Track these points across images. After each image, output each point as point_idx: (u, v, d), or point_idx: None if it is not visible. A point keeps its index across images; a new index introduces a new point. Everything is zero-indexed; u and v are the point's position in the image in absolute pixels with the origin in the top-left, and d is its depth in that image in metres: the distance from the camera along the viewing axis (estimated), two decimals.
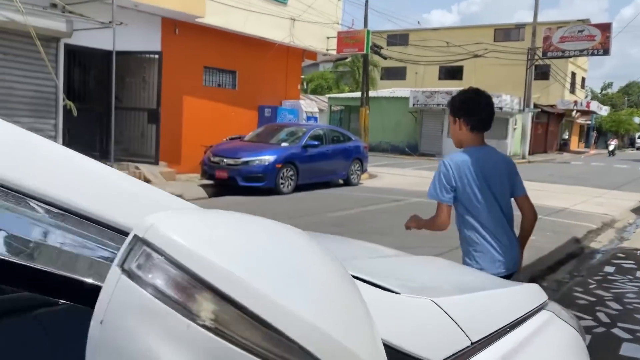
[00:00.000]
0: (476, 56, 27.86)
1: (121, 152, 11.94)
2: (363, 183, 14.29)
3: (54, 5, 10.08)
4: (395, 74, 42.85)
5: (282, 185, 11.30)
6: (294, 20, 15.11)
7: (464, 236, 2.71)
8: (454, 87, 31.70)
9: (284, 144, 12.03)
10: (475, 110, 2.67)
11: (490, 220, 2.63)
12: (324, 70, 46.79)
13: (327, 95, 36.39)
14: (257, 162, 10.90)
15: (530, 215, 2.77)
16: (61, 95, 10.32)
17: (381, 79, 42.60)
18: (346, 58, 34.64)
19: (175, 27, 12.68)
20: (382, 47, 27.55)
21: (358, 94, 30.66)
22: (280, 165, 11.16)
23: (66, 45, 10.62)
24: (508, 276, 2.60)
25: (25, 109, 10.15)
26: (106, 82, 9.97)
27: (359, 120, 29.15)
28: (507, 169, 2.71)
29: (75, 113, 9.90)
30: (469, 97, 2.70)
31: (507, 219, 2.70)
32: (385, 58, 28.10)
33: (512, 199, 2.76)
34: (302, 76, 48.53)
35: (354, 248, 1.96)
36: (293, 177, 11.60)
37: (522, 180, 2.79)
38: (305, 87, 47.83)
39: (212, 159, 11.25)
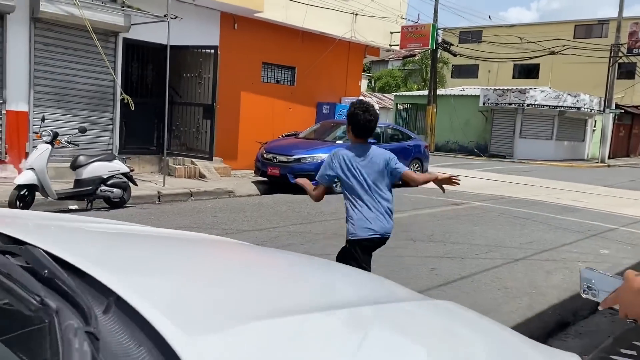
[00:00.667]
0: (553, 53, 26.25)
1: (178, 147, 11.98)
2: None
3: (114, 0, 10.20)
4: (467, 71, 41.38)
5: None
6: (356, 14, 14.68)
7: (345, 206, 3.59)
8: (529, 85, 30.08)
9: (338, 142, 11.65)
10: (355, 124, 3.50)
11: (361, 196, 3.46)
12: (392, 68, 45.98)
13: (393, 93, 35.61)
14: (309, 159, 10.58)
15: (412, 183, 3.62)
16: (119, 89, 10.44)
17: (451, 77, 41.30)
18: (414, 55, 33.84)
19: (234, 22, 12.59)
20: (452, 44, 26.57)
21: (425, 92, 29.75)
22: None
23: (125, 40, 10.75)
24: (382, 240, 3.60)
25: (84, 102, 10.34)
26: (163, 76, 9.97)
27: (425, 119, 28.33)
28: (384, 162, 3.49)
29: (132, 107, 9.96)
30: (354, 112, 3.49)
31: (381, 197, 3.50)
32: (455, 55, 27.11)
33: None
34: (370, 74, 48.15)
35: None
36: None
37: (403, 165, 3.61)
38: (372, 85, 47.23)
39: (265, 155, 11.05)
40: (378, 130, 12.42)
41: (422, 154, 13.43)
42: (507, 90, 27.33)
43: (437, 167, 17.92)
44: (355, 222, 3.49)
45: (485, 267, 5.78)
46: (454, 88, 34.17)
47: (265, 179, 11.16)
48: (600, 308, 1.38)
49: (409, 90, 37.05)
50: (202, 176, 11.30)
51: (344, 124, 12.98)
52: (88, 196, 7.80)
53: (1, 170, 9.32)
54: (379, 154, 3.52)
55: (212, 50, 11.08)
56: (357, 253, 3.53)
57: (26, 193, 7.22)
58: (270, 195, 10.31)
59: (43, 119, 7.85)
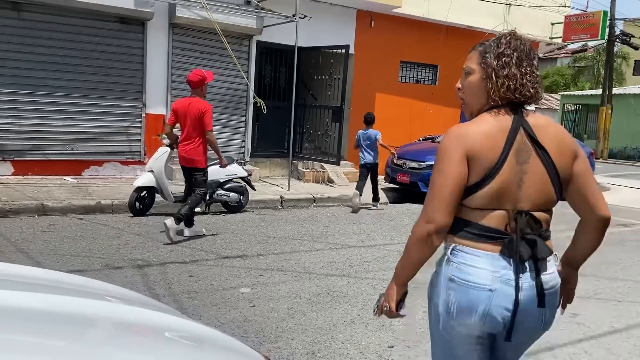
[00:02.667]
0: None
1: (309, 151, 11.69)
2: None
3: (248, 3, 10.17)
4: None
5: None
6: (509, 5, 13.13)
7: None
8: None
9: None
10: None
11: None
12: (561, 65, 41.78)
13: (560, 93, 32.13)
14: None
15: None
16: (251, 92, 10.39)
17: (633, 74, 36.17)
18: (585, 50, 30.19)
19: (371, 19, 11.94)
20: (633, 36, 23.12)
21: (598, 91, 26.32)
22: None
23: (258, 42, 10.69)
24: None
25: (218, 106, 10.43)
26: (296, 79, 9.71)
27: (597, 122, 25.00)
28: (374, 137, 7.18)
29: (264, 110, 9.84)
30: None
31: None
32: (637, 48, 23.52)
33: None
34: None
35: None
36: None
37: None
38: None
39: (395, 161, 10.23)
40: None
41: None
42: None
43: (610, 177, 15.45)
44: None
45: None
46: (635, 86, 29.77)
47: (396, 186, 10.33)
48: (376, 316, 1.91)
49: (580, 90, 33.18)
50: (330, 181, 10.83)
51: None
52: (205, 200, 7.71)
53: (141, 171, 9.76)
54: (373, 134, 5.75)
55: (343, 50, 10.54)
56: None
57: (145, 195, 7.31)
58: (397, 205, 9.46)
59: (164, 122, 7.95)
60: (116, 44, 9.31)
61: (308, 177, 10.89)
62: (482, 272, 1.70)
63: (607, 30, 14.40)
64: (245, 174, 8.02)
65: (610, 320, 4.28)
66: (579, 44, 25.73)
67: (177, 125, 6.37)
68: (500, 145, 1.70)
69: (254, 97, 10.14)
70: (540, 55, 19.29)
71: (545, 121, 1.79)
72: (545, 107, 33.99)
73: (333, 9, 11.36)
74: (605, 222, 1.88)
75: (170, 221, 5.82)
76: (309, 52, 10.97)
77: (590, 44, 23.90)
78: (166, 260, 5.21)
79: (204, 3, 8.71)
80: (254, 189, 8.29)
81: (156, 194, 7.41)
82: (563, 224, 7.99)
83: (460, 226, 1.75)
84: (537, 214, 1.77)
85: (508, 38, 1.82)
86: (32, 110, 8.82)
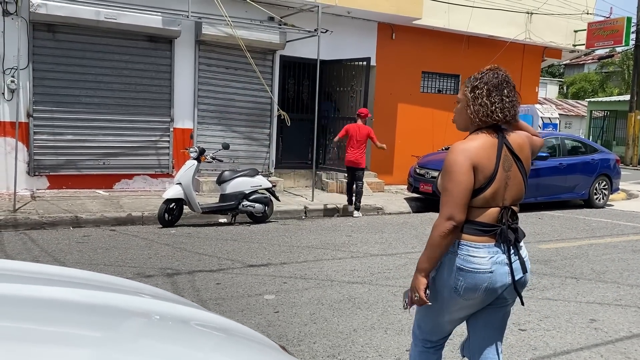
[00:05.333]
0: None
1: (333, 162, 11.86)
2: (613, 205, 11.61)
3: (272, 19, 10.45)
4: None
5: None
6: (531, 14, 13.15)
7: None
8: None
9: None
10: None
11: None
12: (588, 71, 41.21)
13: (587, 100, 31.67)
14: None
15: None
16: (275, 105, 10.64)
17: None
18: (612, 55, 29.75)
19: (392, 31, 12.11)
20: None
21: (625, 98, 25.89)
22: None
23: (282, 57, 10.95)
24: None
25: (243, 119, 10.75)
26: (319, 91, 9.93)
27: (626, 128, 24.56)
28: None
29: (288, 123, 10.07)
30: None
31: None
32: None
33: None
34: (562, 79, 43.76)
35: None
36: None
37: None
38: (564, 91, 42.82)
39: (417, 170, 10.33)
40: (553, 141, 10.86)
41: (610, 169, 11.40)
42: None
43: (636, 184, 15.24)
44: None
45: None
46: None
47: (418, 195, 10.42)
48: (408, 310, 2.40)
49: (609, 96, 32.65)
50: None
51: None
52: (231, 211, 7.95)
53: (169, 183, 10.07)
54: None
55: (365, 63, 10.73)
56: None
57: (174, 207, 7.58)
58: (420, 214, 9.56)
59: (192, 136, 8.24)
60: (145, 61, 9.68)
61: (332, 187, 11.06)
62: (483, 260, 2.23)
63: (632, 36, 14.19)
64: (269, 185, 8.23)
65: (629, 326, 4.32)
66: (606, 50, 25.40)
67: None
68: (493, 157, 2.23)
69: (278, 110, 10.38)
70: (566, 62, 19.16)
71: (517, 137, 2.32)
72: (572, 114, 33.56)
73: (354, 23, 11.58)
74: None
75: (355, 212, 9.07)
76: (331, 65, 11.19)
77: (618, 49, 23.56)
78: (194, 269, 5.43)
79: (229, 20, 9.00)
80: (279, 200, 8.50)
81: (184, 206, 7.68)
82: (583, 232, 7.93)
83: (465, 224, 2.23)
84: (514, 208, 2.31)
85: (482, 73, 2.31)
86: (66, 126, 9.22)
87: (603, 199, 11.35)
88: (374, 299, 4.70)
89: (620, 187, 12.22)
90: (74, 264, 5.44)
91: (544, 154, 10.30)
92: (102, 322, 1.37)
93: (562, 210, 10.49)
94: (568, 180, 10.73)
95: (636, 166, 23.32)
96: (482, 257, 2.23)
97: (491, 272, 2.23)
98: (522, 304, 2.41)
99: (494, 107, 2.24)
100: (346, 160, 9.23)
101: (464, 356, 2.57)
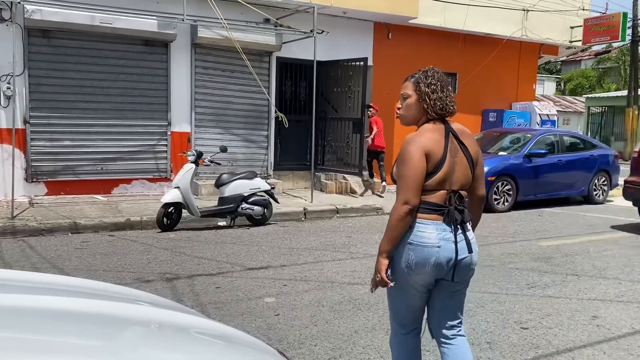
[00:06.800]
0: None
1: (331, 163, 11.84)
2: (613, 201, 11.59)
3: (267, 21, 10.43)
4: None
5: (496, 202, 9.72)
6: (527, 10, 13.14)
7: None
8: None
9: (501, 153, 10.40)
10: None
11: None
12: (585, 67, 41.21)
13: (584, 96, 31.68)
14: None
15: None
16: (273, 107, 10.62)
17: None
18: (609, 51, 29.77)
19: (389, 31, 12.10)
20: None
21: (623, 93, 25.92)
22: (493, 178, 9.62)
23: (278, 59, 10.93)
24: None
25: (241, 122, 10.72)
26: (316, 92, 9.91)
27: (624, 123, 24.58)
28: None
29: (286, 124, 10.05)
30: None
31: None
32: None
33: None
34: (559, 76, 43.75)
35: None
36: (511, 192, 9.90)
37: None
38: (562, 87, 42.80)
39: None
40: (552, 138, 10.85)
41: (609, 165, 11.39)
42: None
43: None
44: None
45: None
46: None
47: None
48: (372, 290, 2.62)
49: (606, 91, 32.66)
50: (353, 192, 10.95)
51: (511, 133, 11.74)
52: (230, 214, 7.92)
53: (167, 187, 10.04)
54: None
55: (362, 63, 10.71)
56: None
57: (172, 211, 7.55)
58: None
59: (189, 140, 8.21)
60: (141, 65, 9.66)
61: (331, 188, 11.04)
62: (432, 235, 2.44)
63: (628, 31, 14.19)
64: (268, 187, 8.21)
65: (631, 322, 4.30)
66: (603, 46, 25.42)
67: None
68: (442, 145, 2.46)
69: (275, 112, 10.37)
70: (563, 58, 19.10)
71: (461, 127, 2.58)
72: (570, 110, 33.55)
73: (350, 23, 11.56)
74: (482, 199, 2.69)
75: (383, 182, 10.73)
76: (328, 65, 11.17)
77: (614, 44, 23.61)
78: (194, 273, 5.40)
79: (224, 23, 8.98)
80: (278, 202, 8.47)
81: (183, 210, 7.65)
82: (583, 229, 7.90)
83: None
84: (461, 192, 2.52)
85: (432, 72, 2.57)
86: (63, 132, 9.19)
87: (603, 195, 11.34)
88: (375, 300, 4.67)
89: (619, 182, 12.20)
90: (73, 270, 5.41)
91: (543, 151, 10.29)
92: (101, 331, 1.37)
93: (561, 206, 10.48)
94: (567, 177, 10.72)
95: None
96: (430, 232, 2.43)
97: (439, 246, 2.44)
98: (453, 279, 2.53)
99: (447, 101, 2.51)
100: (373, 146, 10.83)
101: (433, 337, 2.76)
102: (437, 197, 2.45)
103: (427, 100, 2.49)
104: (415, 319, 2.69)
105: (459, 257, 2.47)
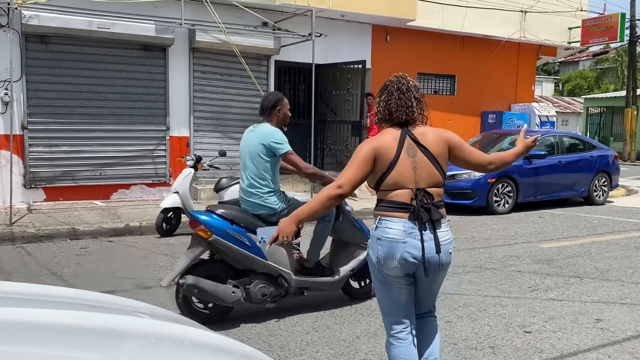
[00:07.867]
0: None
1: (330, 165, 11.81)
2: (613, 202, 11.56)
3: (265, 24, 10.41)
4: None
5: (496, 204, 9.69)
6: (525, 12, 13.15)
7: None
8: None
9: None
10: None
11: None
12: (583, 68, 41.28)
13: (583, 97, 31.71)
14: (465, 176, 9.53)
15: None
16: None
17: None
18: (607, 52, 29.81)
19: (387, 33, 12.09)
20: None
21: (621, 94, 25.94)
22: (493, 180, 9.59)
23: (276, 62, 10.91)
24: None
25: (240, 126, 10.64)
26: (315, 95, 9.89)
27: (623, 124, 24.58)
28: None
29: (285, 128, 10.00)
30: None
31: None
32: None
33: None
34: (557, 77, 43.80)
35: None
36: (511, 194, 9.87)
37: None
38: (560, 88, 42.85)
39: None
40: (551, 139, 10.82)
41: (609, 166, 11.36)
42: None
43: (634, 179, 15.22)
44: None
45: None
46: None
47: None
48: (267, 246, 2.80)
49: (604, 92, 32.69)
50: (352, 195, 10.90)
51: (510, 134, 11.70)
52: None
53: (166, 192, 10.00)
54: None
55: (360, 66, 10.70)
56: None
57: (171, 216, 7.51)
58: None
59: (188, 144, 8.18)
60: (139, 70, 9.63)
61: None
62: (397, 232, 2.54)
63: (626, 31, 14.20)
64: None
65: (635, 325, 4.26)
66: (600, 46, 25.43)
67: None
68: (394, 148, 2.57)
69: None
70: (561, 59, 19.13)
71: (425, 130, 2.65)
72: (569, 111, 33.60)
73: (348, 26, 11.55)
74: (491, 162, 2.82)
75: None
76: (326, 68, 11.16)
77: (612, 45, 23.63)
78: None
79: (222, 27, 8.96)
80: None
81: (182, 215, 7.60)
82: (585, 230, 7.92)
83: (381, 203, 2.62)
84: (430, 190, 2.57)
85: (389, 81, 2.71)
86: (61, 138, 9.16)
87: (603, 195, 11.31)
88: (376, 305, 4.61)
89: (619, 183, 12.19)
90: (72, 277, 5.37)
91: (542, 152, 10.26)
92: (100, 344, 1.36)
93: (562, 208, 10.45)
94: (567, 178, 10.68)
95: (634, 162, 23.32)
96: (396, 229, 2.54)
97: (404, 242, 2.52)
98: (426, 275, 2.58)
99: (392, 109, 2.64)
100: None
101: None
102: (401, 196, 2.55)
103: (378, 107, 2.71)
104: (401, 311, 2.72)
105: (427, 256, 2.52)
